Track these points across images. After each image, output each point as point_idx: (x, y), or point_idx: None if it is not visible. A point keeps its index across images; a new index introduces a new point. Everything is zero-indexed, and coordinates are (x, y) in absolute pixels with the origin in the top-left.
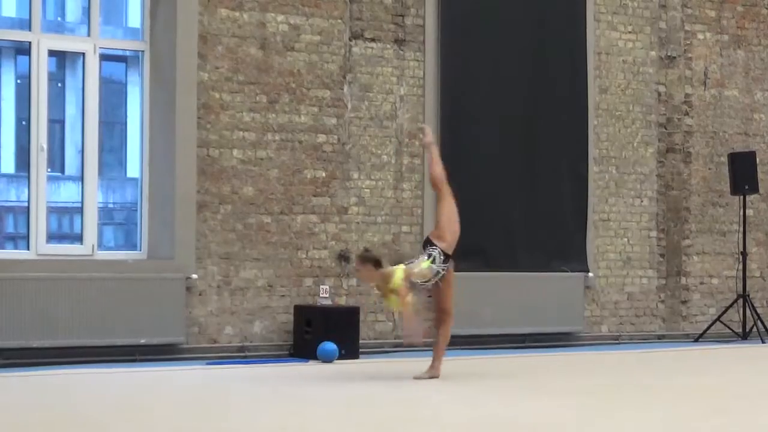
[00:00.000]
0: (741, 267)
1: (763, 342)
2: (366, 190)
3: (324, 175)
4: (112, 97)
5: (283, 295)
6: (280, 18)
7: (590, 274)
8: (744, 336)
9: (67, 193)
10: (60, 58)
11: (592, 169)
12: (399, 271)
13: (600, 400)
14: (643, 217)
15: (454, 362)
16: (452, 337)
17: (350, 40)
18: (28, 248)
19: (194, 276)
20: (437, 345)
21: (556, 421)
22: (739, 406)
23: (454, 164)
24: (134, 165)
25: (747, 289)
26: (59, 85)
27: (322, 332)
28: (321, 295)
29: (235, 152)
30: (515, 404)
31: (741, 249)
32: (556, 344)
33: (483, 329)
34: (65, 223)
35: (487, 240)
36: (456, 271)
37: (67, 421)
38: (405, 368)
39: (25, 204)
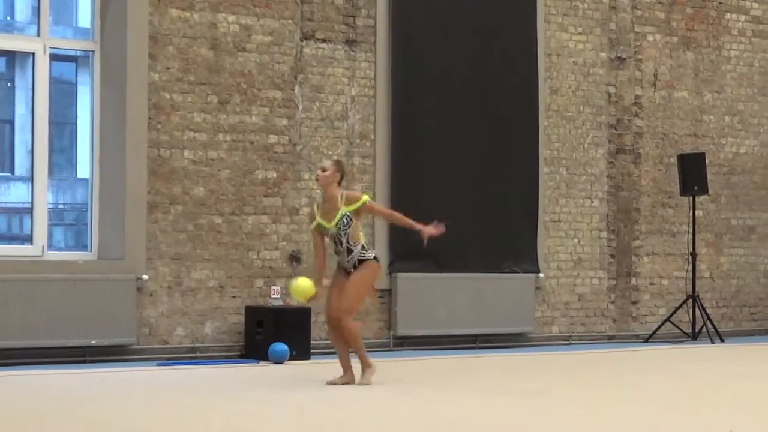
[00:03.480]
0: (690, 268)
1: (712, 342)
2: (317, 191)
3: (275, 175)
4: (62, 97)
5: (234, 296)
6: (231, 18)
7: (541, 275)
8: (694, 336)
9: (16, 194)
10: (9, 57)
11: (543, 170)
12: (366, 197)
13: (546, 400)
14: (593, 218)
15: (405, 363)
16: (405, 337)
17: (301, 40)
18: None
19: (145, 277)
20: (346, 351)
21: (501, 421)
22: (685, 406)
23: (405, 166)
24: (84, 165)
25: (696, 289)
26: (8, 85)
27: (273, 333)
28: (272, 296)
29: (186, 153)
30: (462, 405)
31: (690, 250)
32: (507, 345)
33: (434, 330)
34: (15, 224)
35: (439, 241)
36: (406, 271)
37: (11, 424)
38: (356, 369)
39: None
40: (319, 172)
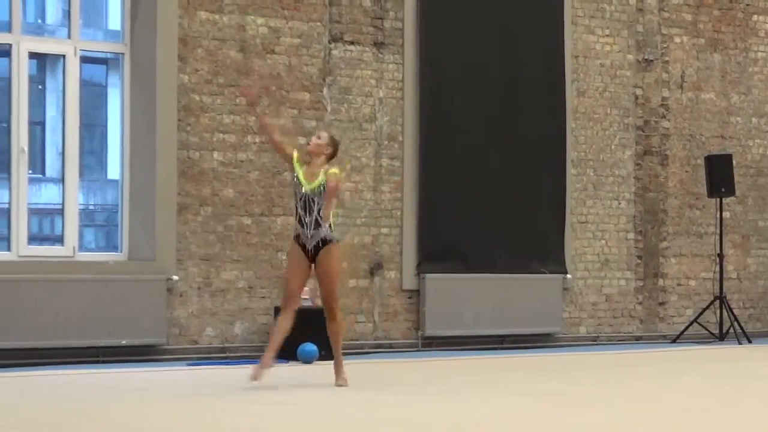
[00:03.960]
0: (718, 269)
1: (739, 343)
2: (346, 192)
3: None
4: (93, 99)
5: (263, 297)
6: (260, 21)
7: (568, 276)
8: (721, 337)
9: (48, 195)
10: (40, 60)
11: (570, 171)
12: (342, 174)
13: (572, 401)
14: (620, 219)
15: (433, 363)
16: (433, 338)
17: (330, 43)
18: (9, 250)
19: (175, 277)
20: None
21: (526, 421)
22: (712, 405)
23: (433, 168)
24: (115, 167)
25: (724, 290)
26: (40, 87)
27: (302, 333)
28: (302, 297)
29: (215, 154)
30: (489, 405)
31: (718, 251)
32: (534, 345)
33: (462, 330)
34: (46, 225)
35: (466, 242)
36: (434, 272)
37: (44, 424)
38: (383, 369)
39: (6, 206)
40: (315, 139)
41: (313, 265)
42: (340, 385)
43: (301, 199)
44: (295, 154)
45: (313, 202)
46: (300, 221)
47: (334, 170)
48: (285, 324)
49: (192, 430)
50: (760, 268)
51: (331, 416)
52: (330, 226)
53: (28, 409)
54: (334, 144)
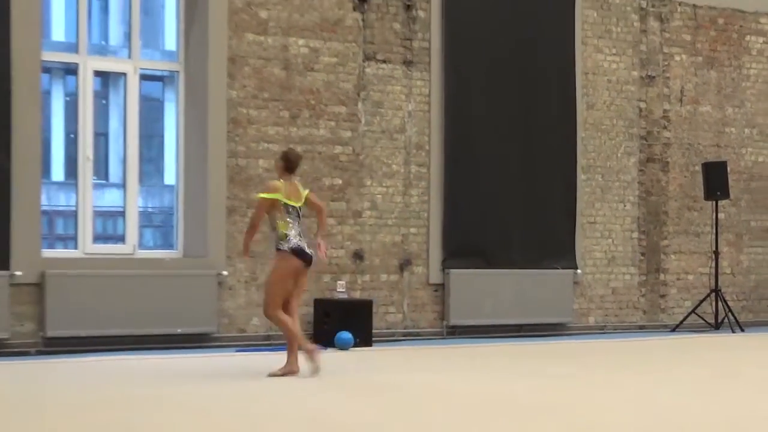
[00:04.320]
0: (714, 265)
1: (733, 332)
2: (378, 195)
3: (340, 182)
4: (151, 112)
5: (304, 290)
6: (301, 42)
7: (578, 271)
8: (716, 327)
9: (110, 199)
10: (104, 77)
11: (580, 177)
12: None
13: (584, 382)
14: (625, 220)
15: (457, 350)
16: (457, 327)
17: (363, 61)
18: (76, 248)
19: (225, 272)
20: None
21: (544, 399)
22: (708, 387)
23: (457, 174)
24: (171, 173)
25: (719, 284)
26: (103, 102)
27: (339, 323)
28: (338, 290)
29: (260, 162)
30: (509, 385)
31: (714, 248)
32: (548, 333)
33: (483, 320)
34: (109, 226)
35: (486, 240)
36: (458, 268)
37: (109, 402)
38: (412, 354)
39: (74, 208)
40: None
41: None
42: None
43: (293, 214)
44: (282, 192)
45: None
46: (300, 234)
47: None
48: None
49: (246, 409)
50: (752, 264)
51: (368, 398)
52: (288, 237)
53: (99, 391)
54: (285, 158)
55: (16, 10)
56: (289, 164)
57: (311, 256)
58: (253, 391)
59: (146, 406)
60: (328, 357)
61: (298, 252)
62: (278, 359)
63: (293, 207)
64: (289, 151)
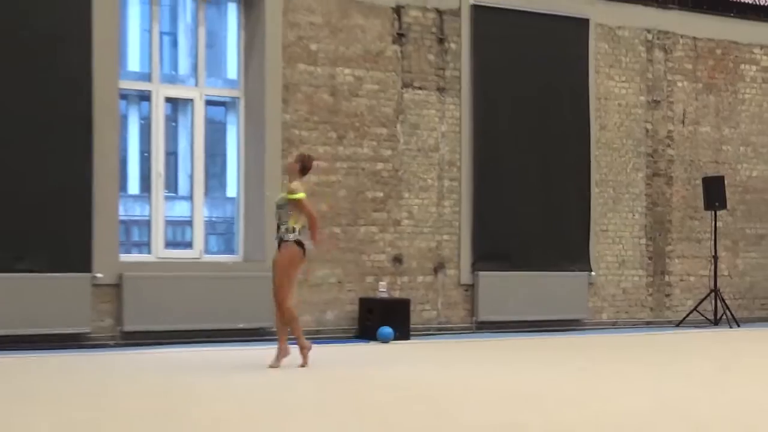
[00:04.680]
0: (713, 268)
1: (730, 327)
2: (414, 206)
3: (381, 195)
4: (214, 134)
5: (349, 290)
6: (347, 71)
7: (592, 273)
8: (715, 322)
9: (179, 210)
10: (173, 103)
11: (594, 189)
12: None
13: (597, 371)
14: (634, 228)
15: (485, 343)
16: (485, 322)
17: (402, 88)
18: (150, 253)
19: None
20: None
21: (561, 387)
22: (710, 376)
23: (484, 187)
24: (232, 187)
25: (717, 285)
26: (173, 124)
27: (380, 319)
28: (380, 290)
29: (311, 177)
30: (532, 373)
31: (713, 253)
32: (565, 328)
33: (508, 316)
34: (178, 233)
35: (511, 246)
36: (486, 270)
37: (175, 389)
38: (446, 347)
39: (147, 218)
40: (290, 161)
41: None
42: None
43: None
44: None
45: (279, 211)
46: (278, 226)
47: (299, 194)
48: (278, 319)
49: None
50: (747, 267)
51: (408, 384)
52: (293, 231)
53: (168, 380)
54: (301, 160)
55: (98, 44)
56: (305, 168)
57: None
58: (305, 377)
59: (208, 394)
60: (372, 349)
61: (302, 244)
62: (327, 351)
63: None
64: (307, 156)
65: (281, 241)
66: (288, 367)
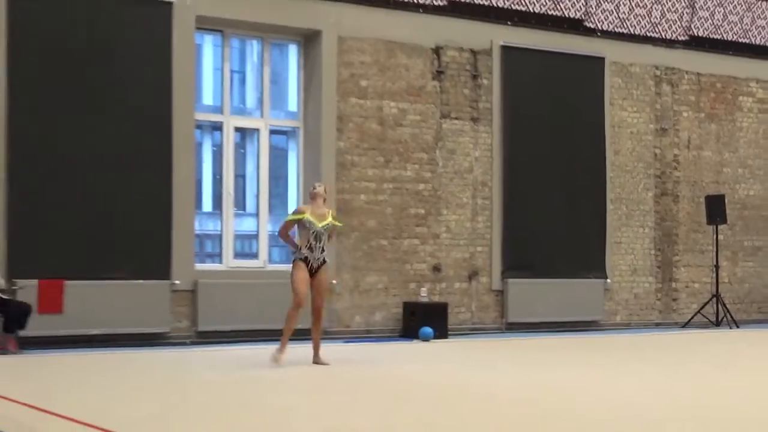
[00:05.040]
0: (714, 275)
1: (730, 328)
2: (452, 222)
3: (423, 212)
4: (277, 159)
5: (395, 295)
6: (392, 104)
7: (608, 280)
8: (717, 324)
9: (247, 225)
10: (242, 132)
11: (609, 206)
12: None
13: (614, 367)
14: (645, 241)
15: (514, 342)
16: (514, 324)
17: (440, 119)
18: (221, 263)
19: (335, 282)
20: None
21: (579, 381)
22: (712, 370)
23: (513, 205)
24: (293, 205)
25: (719, 290)
26: (241, 151)
27: (422, 320)
28: (421, 295)
29: (362, 196)
30: (555, 369)
31: (714, 263)
32: (584, 329)
33: (534, 318)
34: (246, 246)
35: (537, 257)
36: (514, 278)
37: (242, 381)
38: (480, 345)
39: (219, 232)
40: (318, 187)
41: (312, 279)
42: (317, 363)
43: (313, 233)
44: (306, 212)
45: (322, 234)
46: (311, 248)
47: (340, 223)
48: (297, 319)
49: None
50: (745, 275)
51: (445, 377)
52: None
53: (237, 373)
54: (328, 192)
55: (176, 82)
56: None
57: (311, 263)
58: (355, 371)
59: (274, 385)
60: (415, 346)
61: (303, 259)
62: (376, 348)
63: (313, 227)
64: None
65: (323, 262)
66: (341, 363)
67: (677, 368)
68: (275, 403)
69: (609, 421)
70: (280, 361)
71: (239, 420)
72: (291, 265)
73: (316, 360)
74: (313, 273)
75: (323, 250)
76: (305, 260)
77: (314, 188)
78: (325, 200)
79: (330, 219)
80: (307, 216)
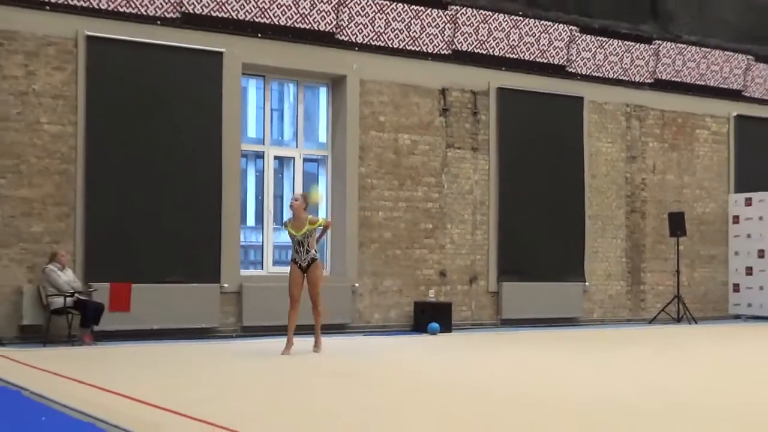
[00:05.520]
0: (676, 279)
1: (689, 324)
2: (455, 234)
3: (431, 226)
4: (309, 182)
5: (407, 296)
6: (406, 136)
7: (587, 283)
8: (678, 320)
9: (284, 237)
10: (280, 160)
11: (587, 222)
12: (322, 220)
13: (590, 354)
14: (617, 250)
15: (508, 335)
16: (507, 319)
17: (446, 148)
18: (262, 269)
19: (357, 285)
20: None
21: (563, 364)
22: (673, 357)
23: (506, 221)
24: None
25: (680, 292)
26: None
27: (430, 317)
28: (429, 296)
29: (380, 213)
30: (541, 355)
31: (676, 269)
32: (566, 324)
33: (524, 315)
34: (283, 255)
35: (527, 263)
36: (507, 281)
37: (281, 368)
38: (478, 338)
39: (260, 243)
40: (293, 200)
41: (305, 275)
42: (316, 351)
43: (296, 241)
44: (288, 226)
45: (303, 241)
46: (296, 251)
47: (320, 220)
48: (295, 317)
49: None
50: (702, 279)
51: (446, 364)
52: (315, 251)
53: (278, 361)
54: (305, 200)
55: (226, 118)
56: (307, 204)
57: (300, 264)
58: (370, 354)
59: (307, 369)
60: (424, 339)
61: (293, 260)
62: (392, 340)
63: (295, 238)
64: (306, 194)
65: (312, 260)
66: (362, 353)
67: (644, 356)
68: (305, 383)
69: (585, 397)
70: (289, 353)
71: (278, 397)
72: None
73: (315, 349)
74: (305, 270)
75: (308, 252)
76: (295, 261)
77: (290, 203)
78: (305, 208)
79: (307, 225)
80: (288, 229)
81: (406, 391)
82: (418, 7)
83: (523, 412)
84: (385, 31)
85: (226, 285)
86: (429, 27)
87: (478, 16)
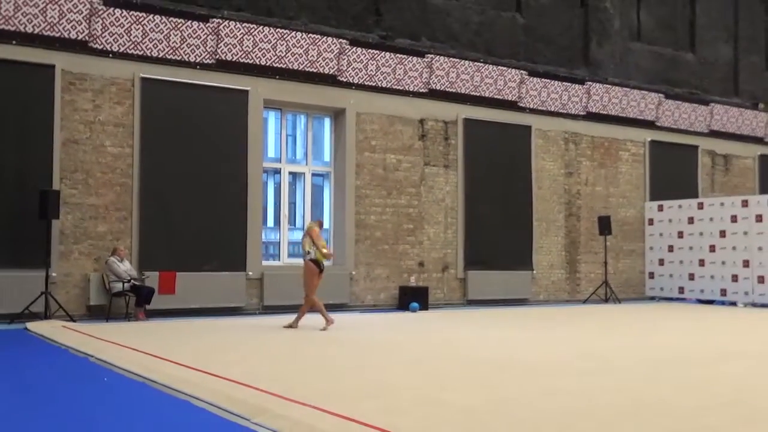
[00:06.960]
0: (604, 269)
1: (614, 303)
2: (431, 233)
3: (412, 227)
4: (317, 194)
5: (393, 282)
6: (392, 156)
7: (534, 272)
8: (606, 300)
9: (296, 236)
10: (293, 175)
11: (534, 223)
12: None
13: (536, 325)
14: (558, 246)
15: (473, 312)
16: (472, 300)
17: (424, 166)
18: (279, 260)
19: (353, 272)
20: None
21: (515, 336)
22: (603, 328)
23: (471, 222)
24: (327, 222)
25: (607, 278)
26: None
27: (411, 298)
28: (411, 281)
29: (372, 216)
30: (499, 328)
31: (604, 260)
32: (518, 304)
33: (486, 296)
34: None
35: (487, 255)
36: (472, 270)
37: (296, 338)
38: (449, 314)
39: (278, 240)
40: (306, 230)
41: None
42: (324, 329)
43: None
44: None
45: (305, 253)
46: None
47: (319, 246)
48: (317, 301)
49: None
50: (624, 268)
51: (421, 334)
52: (307, 252)
53: (293, 333)
54: (319, 225)
55: (250, 142)
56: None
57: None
58: (372, 330)
59: (318, 340)
60: (408, 315)
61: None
62: (381, 317)
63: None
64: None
65: (304, 260)
66: (358, 328)
67: (579, 328)
68: (319, 352)
69: (533, 358)
70: (328, 325)
71: (298, 360)
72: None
73: (326, 326)
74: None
75: (303, 258)
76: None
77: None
78: (307, 234)
79: (307, 247)
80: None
81: (394, 353)
82: (401, 55)
83: (484, 369)
84: (376, 74)
85: (250, 273)
86: (410, 71)
87: (448, 62)
